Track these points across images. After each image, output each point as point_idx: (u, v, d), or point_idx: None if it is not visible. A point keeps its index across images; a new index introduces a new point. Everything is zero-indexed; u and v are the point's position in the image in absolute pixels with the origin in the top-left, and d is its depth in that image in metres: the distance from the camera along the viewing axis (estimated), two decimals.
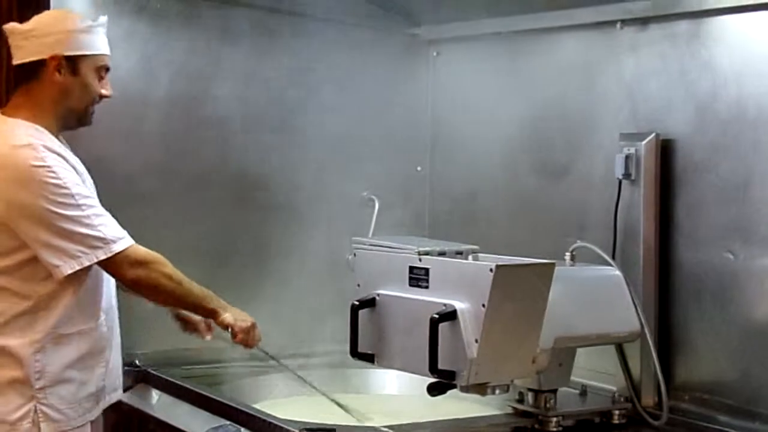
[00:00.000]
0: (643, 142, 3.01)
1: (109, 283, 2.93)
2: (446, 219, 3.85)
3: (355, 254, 2.87)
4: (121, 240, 2.78)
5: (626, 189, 3.05)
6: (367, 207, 3.87)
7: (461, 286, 2.57)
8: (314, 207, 3.78)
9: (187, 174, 3.62)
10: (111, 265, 2.78)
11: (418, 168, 3.99)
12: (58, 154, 2.77)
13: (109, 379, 2.94)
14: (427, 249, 2.72)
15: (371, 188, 3.90)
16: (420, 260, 2.70)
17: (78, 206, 2.73)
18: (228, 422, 2.97)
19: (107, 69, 2.91)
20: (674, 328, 3.01)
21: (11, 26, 2.86)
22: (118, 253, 2.76)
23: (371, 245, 2.88)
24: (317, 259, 3.72)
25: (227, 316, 2.95)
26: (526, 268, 2.59)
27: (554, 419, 2.84)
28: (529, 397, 2.91)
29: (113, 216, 2.84)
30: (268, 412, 2.96)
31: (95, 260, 2.75)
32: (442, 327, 2.55)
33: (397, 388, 3.51)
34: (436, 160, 3.96)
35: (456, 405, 2.98)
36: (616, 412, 2.93)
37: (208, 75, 3.64)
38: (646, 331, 2.90)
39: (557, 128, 3.42)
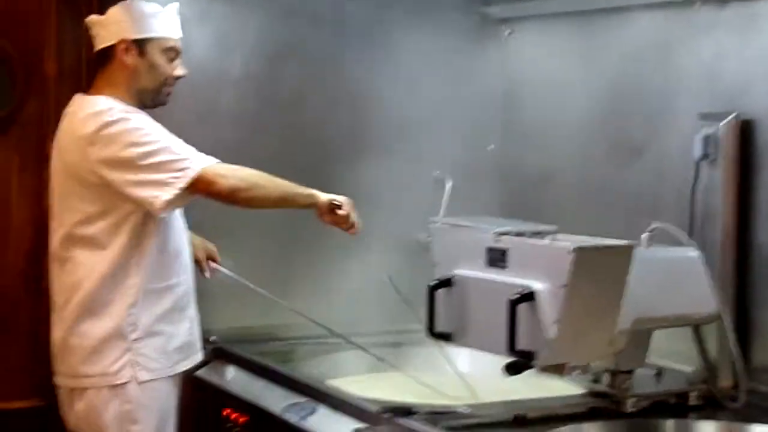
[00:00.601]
0: (723, 123, 2.98)
1: (185, 244, 3.06)
2: (518, 199, 3.84)
3: (431, 233, 2.89)
4: (206, 158, 2.92)
5: (704, 170, 3.03)
6: (438, 187, 3.87)
7: (540, 267, 2.58)
8: (385, 187, 3.78)
9: (258, 154, 3.62)
10: (203, 182, 2.88)
11: (490, 147, 3.98)
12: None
13: (192, 336, 3.09)
14: (505, 229, 2.73)
15: (443, 168, 3.90)
16: (498, 240, 2.71)
17: (158, 141, 2.90)
18: (305, 399, 3.01)
19: (177, 51, 3.05)
20: (752, 311, 2.99)
21: (91, 18, 3.06)
22: (207, 168, 2.89)
23: (449, 224, 2.88)
24: (388, 239, 3.73)
25: (326, 196, 3.06)
26: (606, 249, 2.59)
27: (630, 400, 2.84)
28: (605, 377, 2.90)
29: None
30: (344, 389, 3.00)
31: (188, 180, 2.86)
32: (521, 308, 2.56)
33: (467, 367, 3.51)
34: (508, 139, 3.94)
35: (529, 384, 2.99)
36: (693, 393, 2.92)
37: (283, 55, 3.67)
38: (724, 312, 2.88)
39: (632, 109, 3.39)
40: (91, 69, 3.18)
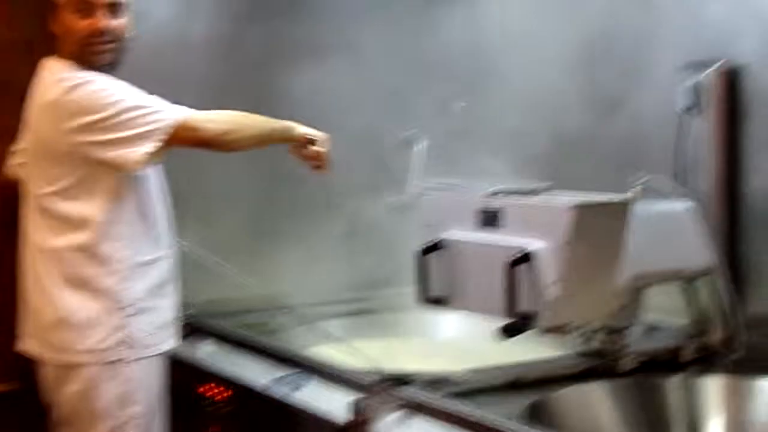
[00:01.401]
0: (709, 71, 2.91)
1: (165, 212, 2.95)
2: (491, 157, 3.74)
3: (421, 195, 2.80)
4: (180, 108, 2.80)
5: (690, 121, 2.96)
6: (408, 148, 3.79)
7: (537, 227, 2.50)
8: (354, 149, 3.68)
9: None
10: (186, 130, 2.77)
11: (461, 104, 3.89)
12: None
13: (176, 311, 2.99)
14: (497, 188, 2.64)
15: (412, 128, 3.81)
16: (491, 200, 2.62)
17: (125, 98, 2.76)
18: (292, 371, 2.91)
19: (90, 3, 2.83)
20: (743, 262, 2.94)
21: None
22: (187, 116, 2.77)
23: (437, 186, 2.79)
24: (363, 203, 3.64)
25: (302, 129, 2.97)
26: (605, 206, 2.52)
27: (627, 358, 2.78)
28: (599, 336, 2.84)
29: None
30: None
31: (167, 129, 2.74)
32: (519, 269, 2.48)
33: (456, 331, 3.45)
34: (479, 96, 3.84)
35: (519, 347, 2.91)
36: (687, 348, 2.87)
37: (247, 14, 3.54)
38: (718, 264, 2.83)
39: (610, 58, 3.31)
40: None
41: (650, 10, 3.18)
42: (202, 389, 3.18)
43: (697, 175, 2.96)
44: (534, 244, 2.49)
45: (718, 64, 2.91)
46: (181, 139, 2.78)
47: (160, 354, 2.91)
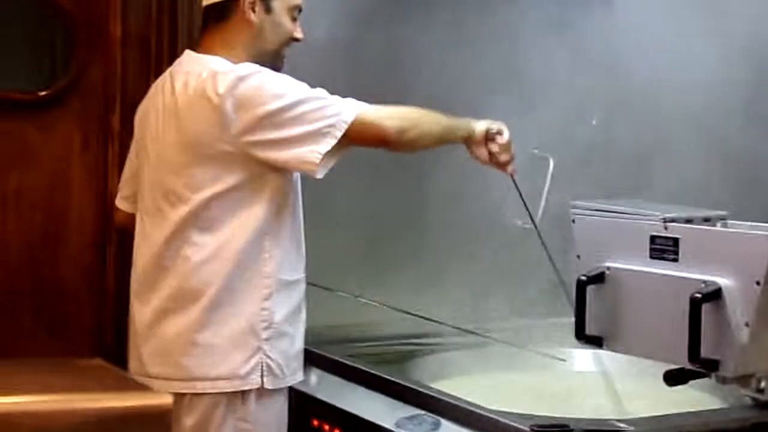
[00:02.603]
0: None
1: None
2: (630, 180, 3.42)
3: (574, 221, 2.48)
4: (354, 101, 2.54)
5: None
6: (539, 166, 3.48)
7: (725, 260, 2.17)
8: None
9: None
10: (365, 126, 2.50)
11: (593, 122, 3.57)
12: None
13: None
14: (672, 215, 2.32)
15: (541, 145, 3.51)
16: (666, 228, 2.30)
17: (299, 89, 2.51)
18: (423, 411, 2.60)
19: (301, 9, 2.66)
20: None
21: None
22: (364, 111, 2.51)
23: (596, 210, 2.47)
24: (482, 226, 3.32)
25: (482, 123, 2.72)
26: None
27: None
28: None
29: None
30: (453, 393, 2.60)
31: (346, 125, 2.47)
32: (705, 308, 2.16)
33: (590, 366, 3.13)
34: (615, 112, 3.52)
35: (676, 393, 2.59)
36: None
37: (370, 17, 3.27)
38: None
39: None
40: (162, 31, 2.77)
41: None
42: (315, 424, 2.89)
43: None
44: (722, 279, 2.16)
45: None
46: (357, 137, 2.50)
47: (285, 388, 2.62)
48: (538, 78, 3.48)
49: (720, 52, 3.13)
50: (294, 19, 2.64)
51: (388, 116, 2.53)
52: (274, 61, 2.62)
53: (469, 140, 2.71)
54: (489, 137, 2.72)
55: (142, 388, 2.41)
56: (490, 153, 2.74)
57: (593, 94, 3.53)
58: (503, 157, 2.75)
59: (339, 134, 2.46)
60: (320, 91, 2.53)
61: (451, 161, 3.28)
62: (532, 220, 2.84)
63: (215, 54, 2.57)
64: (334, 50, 3.24)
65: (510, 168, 2.78)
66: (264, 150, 2.48)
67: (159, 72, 2.79)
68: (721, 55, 3.13)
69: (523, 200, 2.83)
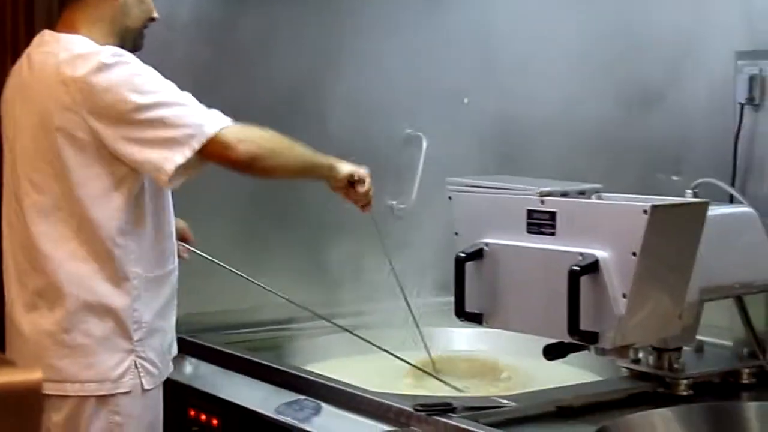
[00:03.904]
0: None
1: (172, 222, 2.57)
2: (503, 157, 3.42)
3: (451, 198, 2.46)
4: (220, 116, 2.42)
5: (748, 115, 2.67)
6: (412, 146, 3.46)
7: (601, 232, 2.17)
8: (353, 147, 3.33)
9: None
10: (220, 145, 2.37)
11: (465, 100, 3.56)
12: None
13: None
14: (548, 189, 2.31)
15: (414, 125, 3.49)
16: (542, 202, 2.29)
17: (164, 90, 2.39)
18: (303, 396, 2.55)
19: None
20: None
21: None
22: (225, 129, 2.39)
23: (473, 186, 2.45)
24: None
25: (346, 168, 2.65)
26: (682, 208, 2.21)
27: (684, 382, 2.47)
28: (650, 357, 2.53)
29: None
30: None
31: (204, 139, 2.35)
32: (583, 280, 2.15)
33: (467, 345, 3.12)
34: (486, 90, 3.52)
35: (546, 367, 2.58)
36: (746, 370, 2.58)
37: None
38: None
39: (647, 48, 3.00)
40: (18, 11, 2.64)
41: None
42: (191, 414, 2.81)
43: (753, 176, 2.66)
44: (599, 251, 2.16)
45: None
46: (212, 155, 2.39)
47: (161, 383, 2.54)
48: (408, 58, 3.46)
49: (589, 30, 3.16)
50: None
51: (245, 140, 2.41)
52: (135, 40, 2.52)
53: (330, 180, 2.65)
54: (350, 183, 2.67)
55: (10, 363, 2.30)
56: (352, 196, 2.70)
57: (465, 74, 3.52)
58: (363, 202, 2.72)
59: (197, 146, 2.35)
60: (187, 97, 2.42)
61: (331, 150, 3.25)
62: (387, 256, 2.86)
63: (76, 32, 2.45)
64: (201, 31, 3.13)
65: (368, 209, 2.75)
66: (116, 144, 2.36)
67: (16, 55, 2.65)
68: (591, 33, 3.15)
69: (379, 233, 2.83)
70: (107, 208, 2.40)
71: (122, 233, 2.42)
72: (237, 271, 2.85)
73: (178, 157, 2.34)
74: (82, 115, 2.36)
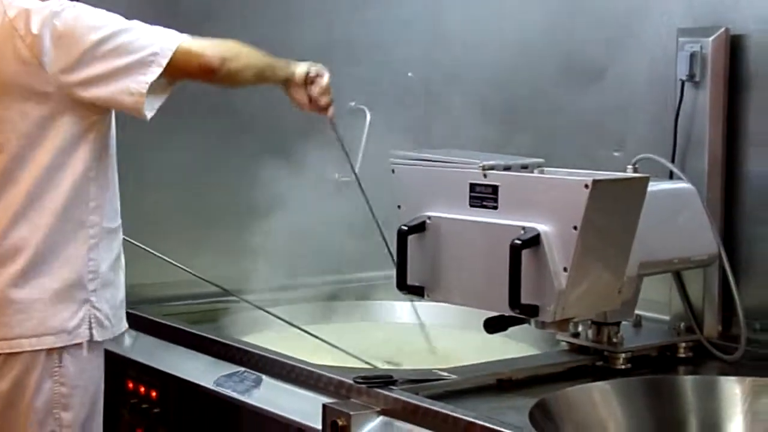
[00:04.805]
0: (711, 38, 2.63)
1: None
2: (446, 131, 3.42)
3: (394, 171, 2.45)
4: (174, 32, 2.42)
5: (688, 92, 2.69)
6: (356, 118, 3.44)
7: (543, 206, 2.18)
8: (298, 119, 3.30)
9: None
10: (189, 55, 2.39)
11: (410, 74, 3.55)
12: None
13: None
14: (491, 163, 2.31)
15: (357, 98, 3.47)
16: (485, 176, 2.29)
17: (116, 19, 2.40)
18: (242, 369, 2.54)
19: None
20: (742, 249, 2.68)
21: None
22: (186, 41, 2.40)
23: (415, 159, 2.44)
24: (305, 179, 3.26)
25: (302, 65, 2.66)
26: (623, 183, 2.22)
27: (622, 355, 2.50)
28: (589, 331, 2.55)
29: None
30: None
31: (169, 54, 2.36)
32: (525, 254, 2.16)
33: (407, 318, 3.12)
34: (431, 65, 3.51)
35: (488, 340, 2.59)
36: (683, 344, 2.61)
37: None
38: (721, 252, 2.57)
39: (587, 24, 3.01)
40: None
41: None
42: (130, 387, 2.79)
43: (693, 151, 2.68)
44: (540, 225, 2.17)
45: (721, 30, 2.63)
46: (181, 67, 2.39)
47: (112, 339, 2.53)
48: (355, 35, 3.44)
49: (532, 5, 3.16)
50: None
51: (210, 45, 2.44)
52: None
53: (288, 82, 2.66)
54: (309, 80, 2.67)
55: None
56: (310, 97, 2.67)
57: (410, 48, 3.51)
58: (323, 100, 2.70)
59: (164, 62, 2.35)
60: (138, 23, 2.42)
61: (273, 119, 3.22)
62: (352, 167, 2.80)
63: None
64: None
65: (330, 111, 2.74)
66: (86, 88, 2.35)
67: None
68: (533, 9, 3.16)
69: (343, 147, 2.79)
70: (73, 160, 2.38)
71: (86, 183, 2.41)
72: (170, 260, 2.85)
73: (149, 76, 2.34)
74: (44, 65, 2.34)
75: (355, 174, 2.83)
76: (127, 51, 2.35)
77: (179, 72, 2.40)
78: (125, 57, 2.35)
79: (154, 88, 2.36)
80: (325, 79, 2.68)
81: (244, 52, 2.51)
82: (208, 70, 2.42)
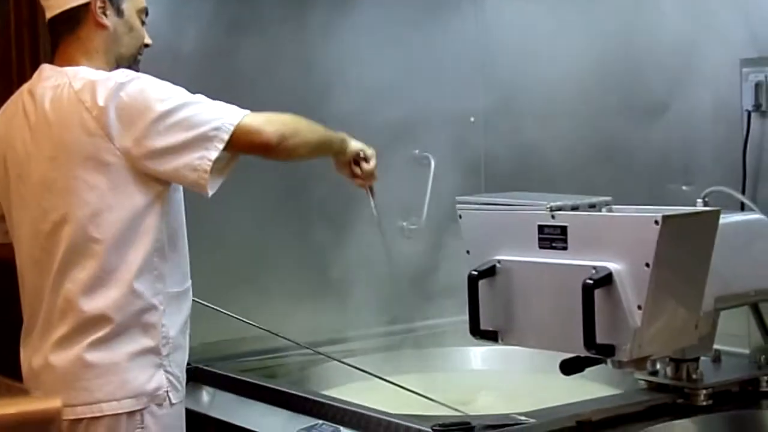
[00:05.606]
0: None
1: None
2: (509, 173, 3.41)
3: (461, 216, 2.45)
4: (234, 107, 2.45)
5: (755, 122, 2.66)
6: (420, 166, 3.46)
7: (614, 245, 2.16)
8: None
9: None
10: (248, 132, 2.40)
11: (471, 119, 3.57)
12: None
13: None
14: (559, 204, 2.30)
15: (421, 146, 3.49)
16: (553, 217, 2.28)
17: (179, 91, 2.43)
18: (321, 421, 2.54)
19: (147, 12, 2.60)
20: None
21: None
22: (246, 117, 2.42)
23: (481, 204, 2.44)
24: (371, 230, 3.27)
25: (355, 143, 2.69)
26: (694, 217, 2.20)
27: (703, 392, 2.46)
28: (668, 369, 2.52)
29: None
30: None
31: (229, 131, 2.37)
32: (598, 293, 2.14)
33: (476, 365, 3.11)
34: (491, 108, 3.52)
35: (563, 383, 2.57)
36: (765, 378, 2.56)
37: (240, 26, 3.18)
38: None
39: (649, 58, 3.01)
40: (23, 48, 2.65)
41: (695, 5, 2.88)
42: None
43: (763, 183, 2.65)
44: (612, 264, 2.15)
45: None
46: (240, 143, 2.41)
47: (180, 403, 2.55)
48: (413, 79, 3.46)
49: (593, 46, 3.16)
50: (143, 23, 2.58)
51: (269, 122, 2.45)
52: (130, 67, 2.53)
53: (339, 156, 2.68)
54: (357, 159, 2.70)
55: (27, 392, 2.29)
56: (354, 173, 2.72)
57: (470, 94, 3.52)
58: (368, 182, 2.74)
59: (226, 137, 2.37)
60: (202, 96, 2.46)
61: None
62: (382, 233, 2.84)
63: (77, 64, 2.47)
64: (205, 60, 3.14)
65: (369, 182, 2.77)
66: (151, 161, 2.38)
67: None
68: (595, 49, 3.16)
69: (377, 215, 2.83)
70: (142, 227, 2.42)
71: (152, 254, 2.44)
72: (238, 317, 2.89)
73: (212, 152, 2.36)
74: (111, 137, 2.38)
75: (380, 229, 2.86)
76: (190, 126, 2.37)
77: (240, 148, 2.42)
78: (189, 131, 2.37)
79: (217, 167, 2.39)
80: (372, 162, 2.71)
81: (302, 127, 2.53)
82: (266, 146, 2.43)
